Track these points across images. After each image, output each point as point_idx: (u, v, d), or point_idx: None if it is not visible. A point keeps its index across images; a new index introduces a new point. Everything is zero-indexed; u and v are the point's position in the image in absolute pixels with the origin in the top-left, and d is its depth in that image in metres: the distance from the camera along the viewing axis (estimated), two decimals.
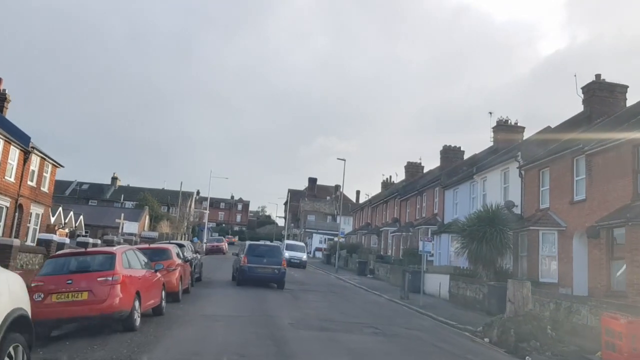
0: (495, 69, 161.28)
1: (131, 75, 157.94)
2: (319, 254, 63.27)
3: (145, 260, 11.76)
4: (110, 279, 9.25)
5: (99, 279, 9.22)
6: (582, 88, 24.93)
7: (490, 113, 34.37)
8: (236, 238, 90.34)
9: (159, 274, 12.13)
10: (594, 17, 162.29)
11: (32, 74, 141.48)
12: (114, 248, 10.24)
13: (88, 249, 10.81)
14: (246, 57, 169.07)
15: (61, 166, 31.98)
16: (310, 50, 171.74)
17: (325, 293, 21.15)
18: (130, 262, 10.26)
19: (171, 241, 20.26)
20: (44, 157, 29.30)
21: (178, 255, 16.55)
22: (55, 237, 17.68)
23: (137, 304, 9.88)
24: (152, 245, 16.99)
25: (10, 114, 28.60)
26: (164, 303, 12.26)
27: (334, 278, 32.89)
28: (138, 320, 9.99)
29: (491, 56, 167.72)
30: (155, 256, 14.56)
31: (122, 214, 50.36)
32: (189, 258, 18.05)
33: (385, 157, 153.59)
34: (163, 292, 12.26)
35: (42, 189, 29.83)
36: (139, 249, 13.50)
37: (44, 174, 29.91)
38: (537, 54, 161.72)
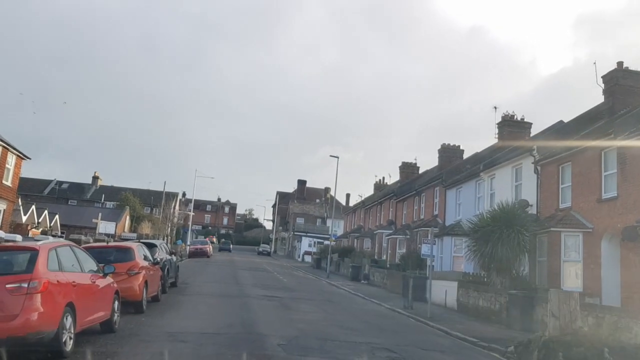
0: (499, 86, 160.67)
1: (137, 82, 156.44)
2: (308, 258, 60.40)
3: (93, 261, 9.03)
4: (25, 285, 6.54)
5: (8, 286, 6.51)
6: (603, 77, 22.53)
7: (495, 108, 31.87)
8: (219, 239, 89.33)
9: (110, 279, 9.40)
10: (599, 38, 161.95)
11: (42, 80, 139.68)
12: (39, 243, 7.50)
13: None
14: (254, 68, 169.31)
15: (27, 158, 29.05)
16: (318, 63, 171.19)
17: (319, 302, 18.48)
18: (62, 263, 7.54)
19: (141, 240, 17.56)
20: (7, 146, 26.38)
21: (145, 257, 13.80)
22: (2, 233, 14.77)
23: (67, 320, 7.16)
24: (110, 244, 14.25)
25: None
26: (117, 316, 9.55)
27: (326, 284, 30.22)
28: (70, 343, 7.27)
29: (496, 74, 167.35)
30: (113, 257, 11.86)
31: (100, 214, 47.39)
32: (158, 260, 15.26)
33: (389, 167, 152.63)
34: (116, 303, 9.54)
35: (4, 182, 26.88)
36: (90, 248, 10.77)
37: (7, 165, 26.96)
38: (542, 72, 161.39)
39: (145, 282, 12.31)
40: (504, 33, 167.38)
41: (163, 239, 58.92)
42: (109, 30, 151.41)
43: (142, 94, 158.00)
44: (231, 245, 74.33)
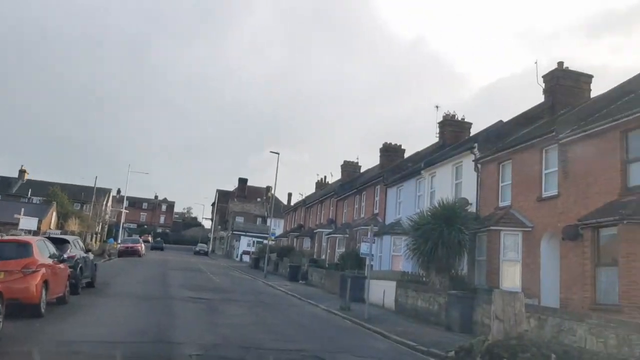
0: (441, 93, 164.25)
1: (76, 75, 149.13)
2: (246, 258, 58.80)
3: None
4: None
5: None
6: (544, 76, 22.46)
7: (437, 107, 31.65)
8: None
9: None
10: (539, 49, 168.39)
11: None
12: None
13: None
14: (201, 66, 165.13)
15: None
16: (266, 63, 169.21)
17: (251, 303, 17.23)
18: None
19: (50, 235, 15.80)
20: None
21: (51, 254, 12.14)
22: None
23: None
24: (4, 238, 12.53)
25: None
26: None
27: (262, 284, 28.99)
28: None
29: (437, 81, 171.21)
30: (7, 252, 10.25)
31: (23, 209, 44.26)
32: (65, 257, 13.53)
33: (333, 168, 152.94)
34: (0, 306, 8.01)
35: None
36: None
37: None
38: (480, 81, 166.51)
39: (45, 282, 10.70)
40: (445, 44, 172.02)
41: (92, 238, 55.96)
42: (45, 18, 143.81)
43: (80, 87, 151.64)
44: (164, 244, 74.86)
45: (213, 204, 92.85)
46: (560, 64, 22.10)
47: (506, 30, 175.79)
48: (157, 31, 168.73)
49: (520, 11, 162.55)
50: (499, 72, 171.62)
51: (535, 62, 26.82)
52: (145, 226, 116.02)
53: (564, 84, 21.65)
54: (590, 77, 22.07)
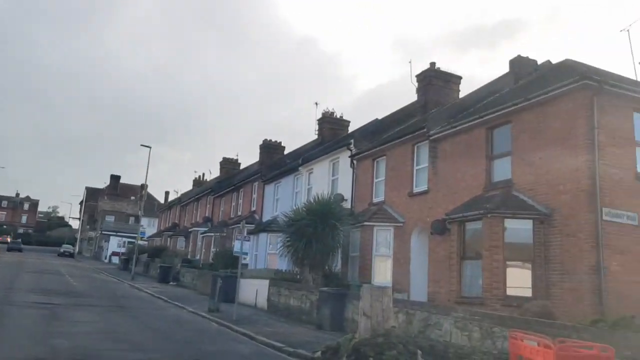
0: (325, 95, 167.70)
1: None
2: (116, 259, 55.02)
3: None
4: None
5: None
6: (418, 76, 22.88)
7: (316, 104, 31.64)
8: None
9: None
10: (414, 59, 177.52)
11: None
12: None
13: None
14: (75, 58, 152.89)
15: None
16: (147, 59, 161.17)
17: (106, 308, 15.49)
18: None
19: None
20: None
21: None
22: None
23: None
24: None
25: None
26: None
27: (128, 287, 26.86)
28: None
29: (323, 84, 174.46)
30: None
31: None
32: None
33: (214, 166, 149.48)
34: None
35: None
36: None
37: None
38: (361, 86, 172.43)
39: None
40: (331, 47, 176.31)
41: None
42: None
43: None
44: (22, 245, 68.73)
45: (81, 203, 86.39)
46: (433, 64, 22.58)
47: (384, 41, 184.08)
48: (24, 14, 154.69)
49: (397, 23, 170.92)
50: (378, 79, 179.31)
51: (410, 62, 28.08)
52: (5, 226, 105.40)
53: (435, 84, 22.16)
54: (459, 78, 22.81)
